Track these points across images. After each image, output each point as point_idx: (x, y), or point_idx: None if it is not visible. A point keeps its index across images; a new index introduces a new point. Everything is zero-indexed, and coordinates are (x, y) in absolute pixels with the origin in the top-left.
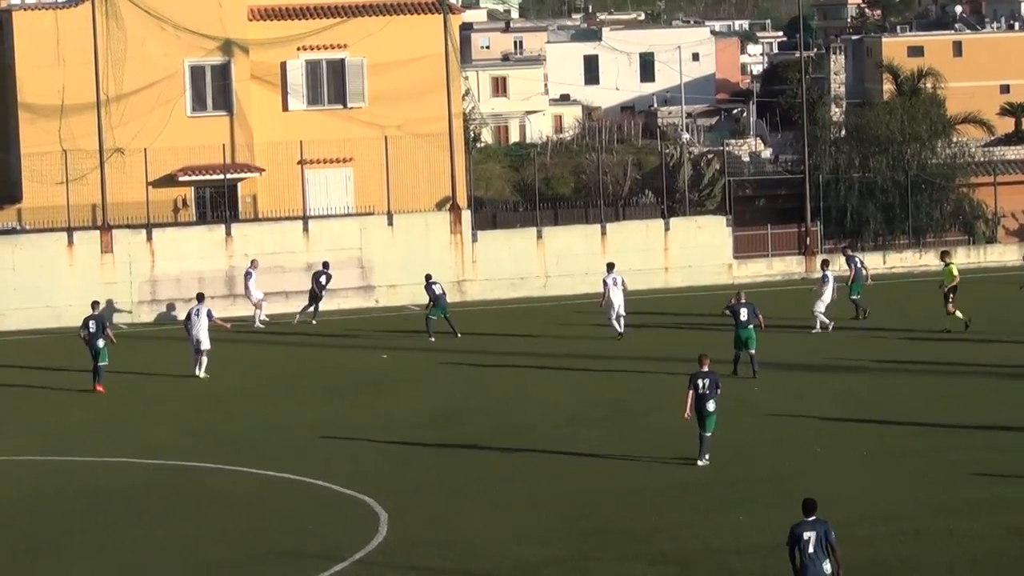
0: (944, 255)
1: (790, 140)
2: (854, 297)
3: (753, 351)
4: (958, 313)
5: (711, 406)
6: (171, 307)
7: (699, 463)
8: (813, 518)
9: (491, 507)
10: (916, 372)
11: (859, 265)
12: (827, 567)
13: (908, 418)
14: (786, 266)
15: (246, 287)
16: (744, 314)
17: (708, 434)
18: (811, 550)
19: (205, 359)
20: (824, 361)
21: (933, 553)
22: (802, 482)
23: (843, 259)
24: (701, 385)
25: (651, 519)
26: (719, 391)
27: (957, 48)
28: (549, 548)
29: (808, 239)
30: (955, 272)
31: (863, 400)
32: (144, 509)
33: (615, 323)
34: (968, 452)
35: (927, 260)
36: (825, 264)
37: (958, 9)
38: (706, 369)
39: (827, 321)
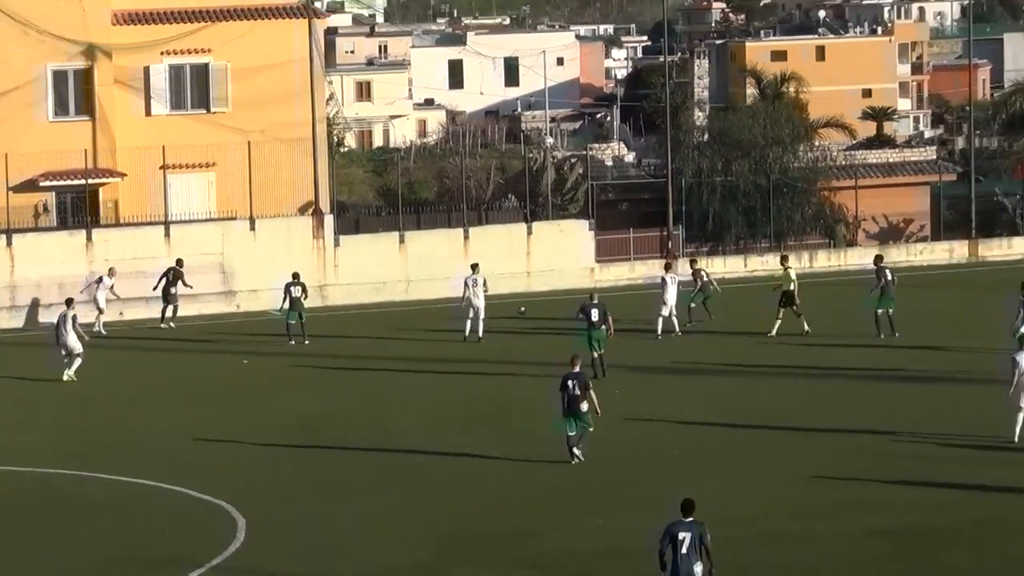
0: (783, 259)
1: (653, 144)
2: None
3: (602, 352)
4: (781, 320)
5: (584, 407)
6: (33, 312)
7: (574, 460)
8: (690, 519)
9: (353, 512)
10: (775, 375)
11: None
12: (698, 569)
13: (768, 421)
14: (648, 269)
15: (95, 293)
16: (595, 315)
17: (574, 433)
18: (684, 550)
19: (79, 360)
20: (682, 364)
21: (795, 555)
22: (662, 485)
23: (688, 264)
24: (571, 386)
25: (514, 522)
26: (591, 392)
27: (820, 53)
28: (412, 553)
29: (670, 243)
30: (793, 276)
31: (723, 403)
32: (2, 516)
33: (468, 323)
34: (828, 454)
35: (789, 263)
36: (668, 267)
37: (821, 14)
38: (577, 370)
39: (662, 328)
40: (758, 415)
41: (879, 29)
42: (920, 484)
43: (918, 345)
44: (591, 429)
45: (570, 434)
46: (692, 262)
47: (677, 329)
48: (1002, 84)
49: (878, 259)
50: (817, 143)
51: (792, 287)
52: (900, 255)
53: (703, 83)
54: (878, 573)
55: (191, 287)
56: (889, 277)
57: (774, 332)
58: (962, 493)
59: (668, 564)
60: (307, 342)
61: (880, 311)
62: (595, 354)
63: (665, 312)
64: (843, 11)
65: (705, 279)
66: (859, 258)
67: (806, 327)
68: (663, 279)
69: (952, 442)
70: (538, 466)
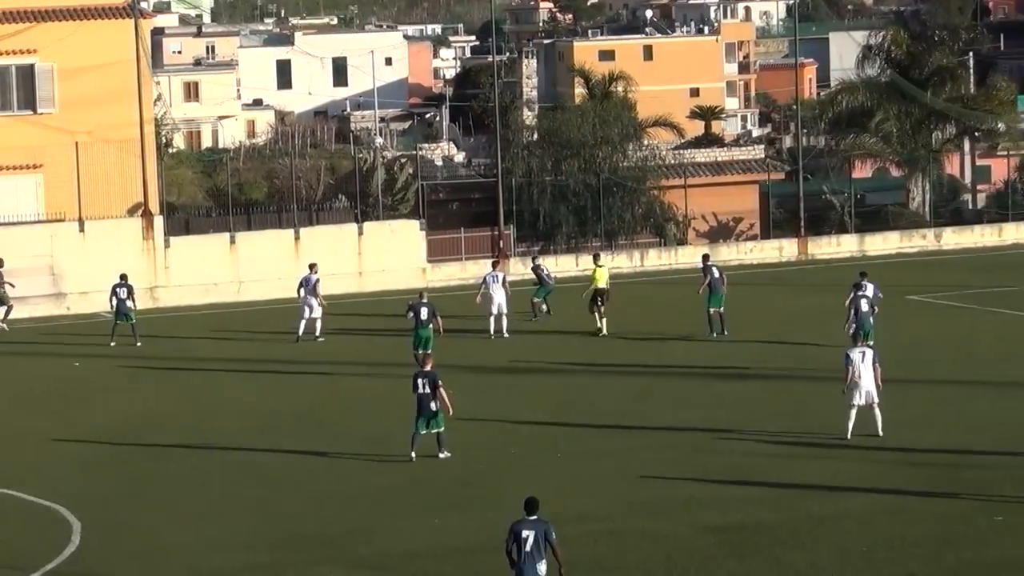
0: (595, 258)
1: (483, 144)
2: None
3: (428, 351)
4: (600, 321)
5: (433, 406)
6: None
7: (441, 456)
8: (535, 517)
9: (187, 514)
10: (609, 373)
11: None
12: (542, 567)
13: (601, 419)
14: (480, 269)
15: None
16: (424, 313)
17: (423, 432)
18: (528, 548)
19: None
20: (516, 364)
21: (628, 553)
22: (498, 484)
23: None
24: (421, 384)
25: (348, 523)
26: (442, 390)
27: (648, 52)
28: (245, 554)
29: (501, 242)
30: (600, 276)
31: (556, 402)
32: None
33: (301, 325)
34: (660, 452)
35: (619, 262)
36: (495, 265)
37: (648, 13)
38: (428, 369)
39: (493, 327)
40: (592, 413)
41: (706, 29)
42: (753, 481)
43: (749, 342)
44: (442, 429)
45: (420, 433)
46: (534, 258)
47: (505, 331)
48: (828, 83)
49: (705, 258)
50: (646, 142)
51: (603, 286)
52: (730, 253)
53: (532, 83)
54: (712, 569)
55: (14, 286)
56: (716, 275)
57: (604, 331)
58: (795, 489)
59: (514, 563)
60: (138, 344)
61: (712, 310)
62: (426, 352)
63: (494, 311)
64: (670, 11)
65: (545, 273)
66: (689, 256)
67: (603, 329)
68: (487, 278)
69: (785, 439)
70: (374, 466)
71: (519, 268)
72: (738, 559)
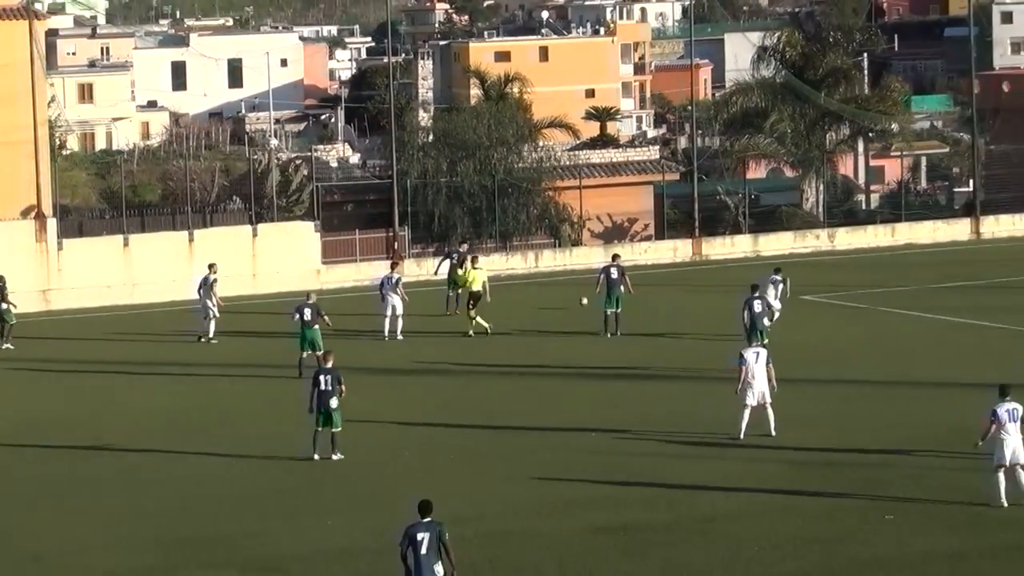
0: (473, 260)
1: (378, 145)
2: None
3: (316, 352)
4: (480, 320)
5: (334, 403)
6: None
7: (334, 457)
8: (428, 519)
9: (80, 517)
10: (502, 374)
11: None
12: (439, 569)
13: (496, 420)
14: (374, 270)
15: None
16: (308, 314)
17: (321, 429)
18: (424, 551)
19: None
20: (410, 366)
21: (520, 554)
22: (391, 486)
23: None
24: (323, 382)
25: (243, 525)
26: (342, 387)
27: (543, 53)
28: (140, 557)
29: (396, 244)
30: (474, 278)
31: (449, 403)
32: None
33: (209, 325)
34: (553, 453)
35: (514, 263)
36: (394, 267)
37: (544, 15)
38: (329, 366)
39: (388, 328)
40: (486, 415)
41: (602, 30)
42: (645, 481)
43: (644, 343)
44: (338, 429)
45: (318, 429)
46: (455, 255)
47: (399, 333)
48: (723, 84)
49: (614, 257)
50: (541, 143)
51: (478, 288)
52: (625, 254)
53: (427, 84)
54: (604, 570)
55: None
56: (615, 276)
57: (471, 333)
58: (687, 489)
59: (410, 566)
60: (10, 346)
61: (608, 311)
62: (305, 354)
63: (389, 312)
64: (566, 12)
65: (461, 272)
66: (584, 257)
67: (472, 331)
68: (383, 281)
69: (678, 439)
70: (268, 467)
71: (414, 269)
72: (630, 560)
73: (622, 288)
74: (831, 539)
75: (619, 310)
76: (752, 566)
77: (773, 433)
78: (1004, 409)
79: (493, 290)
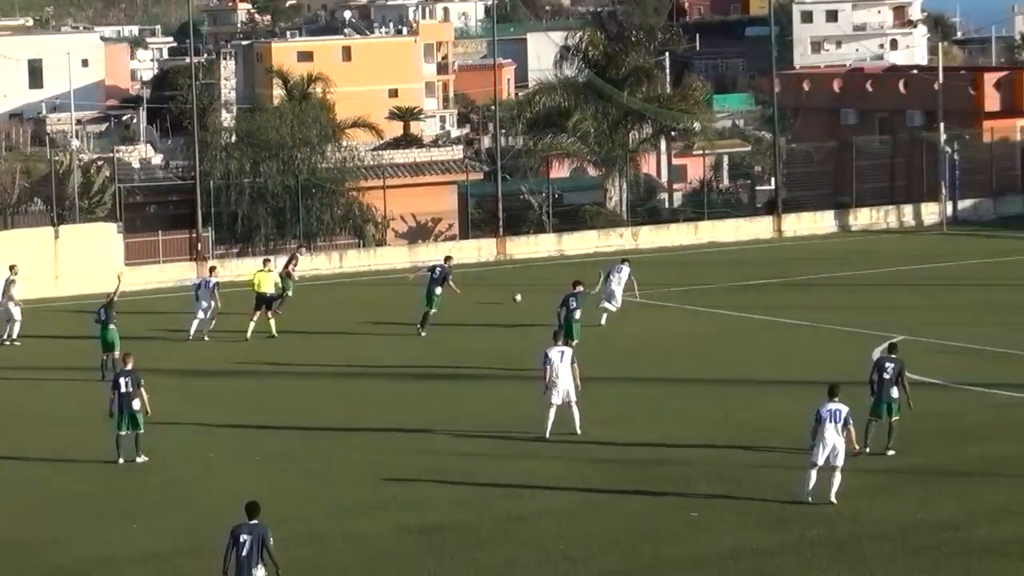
0: (265, 262)
1: (181, 146)
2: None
3: (128, 352)
4: (268, 324)
5: (135, 404)
6: None
7: (138, 460)
8: (254, 522)
9: None
10: (310, 375)
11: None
12: (260, 572)
13: (301, 421)
14: (178, 271)
15: None
16: (103, 315)
17: (124, 433)
18: (245, 552)
19: None
20: (216, 367)
21: (329, 555)
22: (197, 488)
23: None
24: (124, 384)
25: (47, 531)
26: (143, 390)
27: (346, 53)
28: None
29: (200, 245)
30: (260, 280)
31: (255, 405)
32: None
33: (9, 328)
34: (362, 454)
35: (319, 264)
36: (212, 271)
37: (347, 14)
38: (129, 367)
39: (194, 329)
40: (291, 415)
41: (404, 30)
42: (453, 481)
43: (451, 342)
44: (141, 431)
45: (120, 433)
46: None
47: (205, 335)
48: (527, 83)
49: (447, 259)
50: (345, 143)
51: (266, 290)
52: (429, 254)
53: (230, 84)
54: (413, 571)
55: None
56: (436, 275)
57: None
58: (494, 489)
59: (232, 567)
60: None
61: (425, 309)
62: (105, 356)
63: (201, 315)
64: (368, 12)
65: (291, 271)
66: (388, 257)
67: (249, 333)
68: (203, 282)
69: (485, 438)
70: (70, 471)
71: (218, 271)
72: (438, 560)
73: (439, 290)
74: (638, 537)
75: (434, 309)
76: (559, 565)
77: (578, 432)
78: (826, 409)
79: (298, 290)
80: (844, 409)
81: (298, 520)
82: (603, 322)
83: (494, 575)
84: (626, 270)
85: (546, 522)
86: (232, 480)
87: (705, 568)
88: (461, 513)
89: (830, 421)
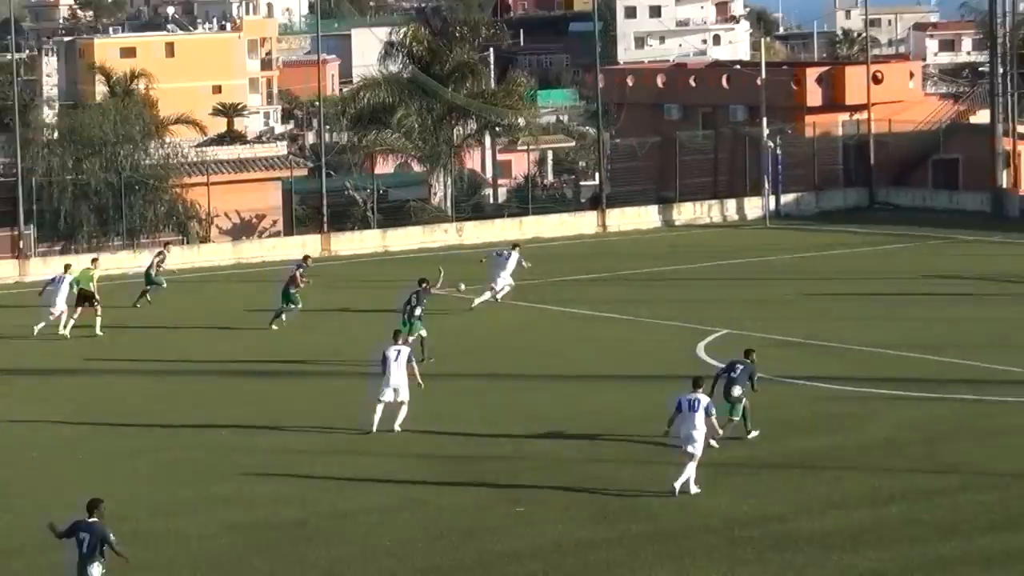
0: (93, 261)
1: (2, 143)
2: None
3: None
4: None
5: None
6: None
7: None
8: (92, 519)
9: None
10: (135, 372)
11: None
12: (95, 569)
13: (123, 418)
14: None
15: None
16: None
17: None
18: (84, 550)
19: None
20: (43, 365)
21: (154, 553)
22: (20, 488)
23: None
24: None
25: None
26: None
27: (170, 49)
28: None
29: (22, 243)
30: (84, 278)
31: (80, 403)
32: None
33: None
34: (186, 451)
35: (142, 260)
36: (67, 268)
37: (170, 10)
38: None
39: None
40: (112, 413)
41: (228, 25)
42: (278, 476)
43: (277, 339)
44: None
45: None
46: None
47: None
48: (351, 79)
49: (306, 257)
50: (168, 140)
51: (91, 287)
52: (254, 251)
53: (52, 80)
54: (239, 568)
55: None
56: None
57: (66, 331)
58: (319, 484)
59: (73, 564)
60: None
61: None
62: None
63: (55, 311)
64: (192, 7)
65: (160, 269)
66: (211, 254)
67: (65, 331)
68: (55, 279)
69: (310, 435)
70: None
71: (40, 269)
72: (263, 557)
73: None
74: (463, 531)
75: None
76: (384, 561)
77: (397, 429)
78: (685, 398)
79: (121, 288)
80: (704, 399)
81: (122, 519)
82: (498, 298)
83: (320, 572)
84: (515, 256)
85: (370, 518)
86: (56, 478)
87: (530, 561)
88: (286, 510)
89: (689, 410)
